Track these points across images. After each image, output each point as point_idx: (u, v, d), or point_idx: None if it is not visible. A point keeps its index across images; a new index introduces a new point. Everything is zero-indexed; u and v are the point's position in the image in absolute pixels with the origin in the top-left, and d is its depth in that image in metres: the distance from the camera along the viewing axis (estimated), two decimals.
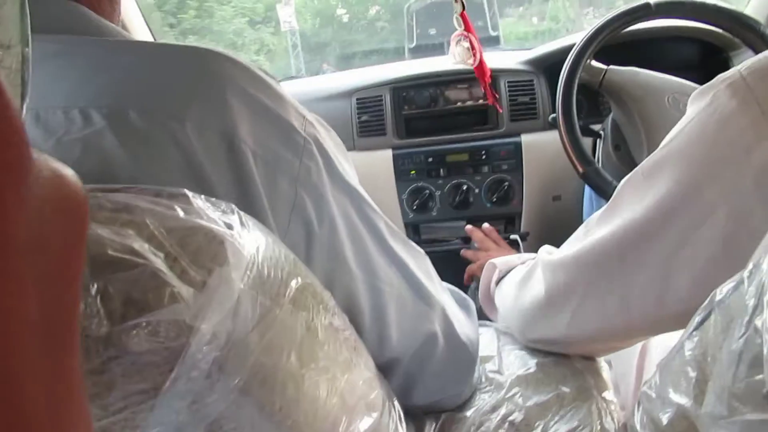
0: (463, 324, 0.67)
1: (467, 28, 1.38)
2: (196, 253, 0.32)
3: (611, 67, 1.17)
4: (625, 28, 1.16)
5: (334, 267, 0.52)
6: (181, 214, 0.33)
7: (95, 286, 0.27)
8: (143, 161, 0.42)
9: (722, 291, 0.40)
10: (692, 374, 0.40)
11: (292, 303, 0.37)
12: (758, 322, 0.33)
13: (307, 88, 1.63)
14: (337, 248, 0.52)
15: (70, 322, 0.20)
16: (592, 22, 1.40)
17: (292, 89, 1.59)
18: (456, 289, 0.75)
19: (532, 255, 0.90)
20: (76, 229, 0.21)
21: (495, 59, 1.56)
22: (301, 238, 0.50)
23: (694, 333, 0.41)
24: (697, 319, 0.42)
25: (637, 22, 1.15)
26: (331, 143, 0.53)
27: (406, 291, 0.59)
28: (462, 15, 1.36)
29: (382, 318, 0.57)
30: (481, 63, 1.40)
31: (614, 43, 1.17)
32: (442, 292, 0.65)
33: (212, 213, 0.35)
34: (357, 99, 1.49)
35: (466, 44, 1.40)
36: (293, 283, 0.38)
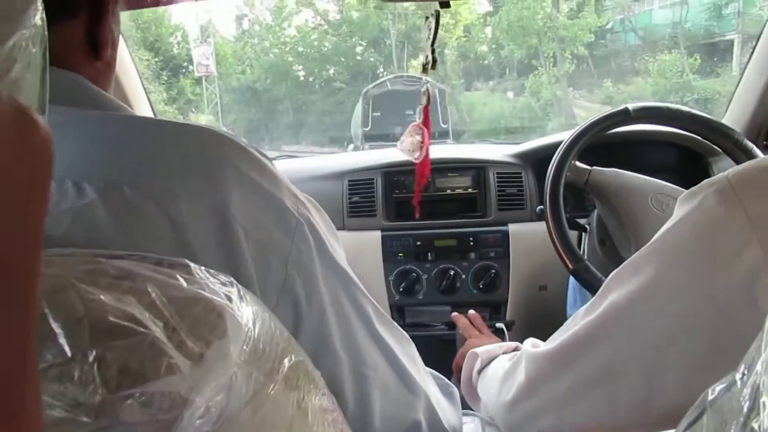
0: (447, 412, 0.66)
1: (425, 122, 1.43)
2: (195, 323, 0.32)
3: (595, 168, 1.21)
4: (605, 132, 1.21)
5: (320, 349, 0.52)
6: (183, 283, 0.33)
7: (93, 352, 0.27)
8: (134, 234, 0.42)
9: (714, 391, 0.40)
10: None
11: (285, 381, 0.37)
12: (755, 425, 0.33)
13: (301, 167, 1.67)
14: (324, 330, 0.52)
15: (27, 269, 0.20)
16: (581, 103, 1.45)
17: (285, 167, 1.62)
18: (440, 375, 0.74)
19: (514, 344, 0.89)
20: (38, 164, 0.21)
21: (484, 151, 1.62)
22: (289, 317, 0.50)
23: None
24: (688, 420, 0.42)
25: (617, 126, 1.20)
26: (323, 224, 0.54)
27: (390, 378, 0.58)
28: (424, 109, 1.42)
29: (366, 404, 0.56)
30: (425, 160, 1.44)
31: (598, 143, 1.22)
32: (426, 378, 0.64)
33: (213, 284, 0.35)
34: (349, 180, 1.52)
35: (418, 138, 1.45)
36: (287, 361, 0.38)
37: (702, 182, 0.54)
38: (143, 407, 0.27)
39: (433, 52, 1.16)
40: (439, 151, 1.57)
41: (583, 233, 1.36)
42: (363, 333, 0.56)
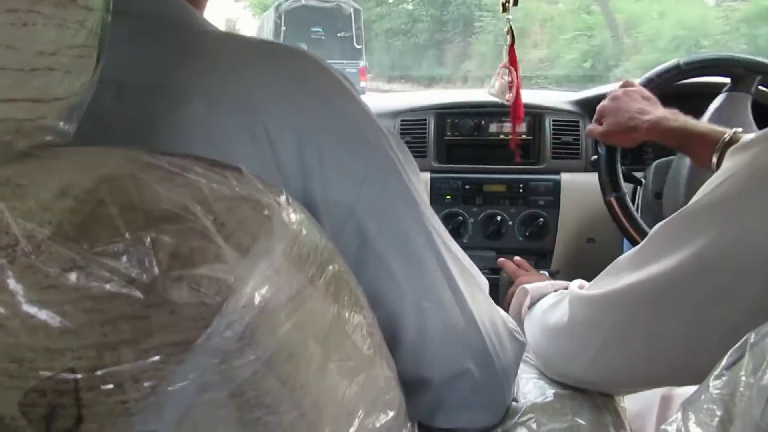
0: (504, 360, 0.61)
1: (512, 62, 1.39)
2: (243, 221, 0.33)
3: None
4: (660, 90, 1.15)
5: (384, 278, 0.52)
6: (234, 183, 0.34)
7: (147, 235, 0.29)
8: (219, 144, 0.44)
9: (758, 333, 0.39)
10: (718, 413, 0.39)
11: (326, 287, 0.38)
12: None
13: None
14: (389, 261, 0.52)
15: None
16: None
17: None
18: (509, 317, 0.70)
19: (565, 283, 0.88)
20: None
21: (542, 97, 1.57)
22: (354, 244, 0.50)
23: (724, 372, 0.41)
24: (728, 360, 0.42)
25: (672, 82, 1.15)
26: (402, 157, 0.54)
27: (454, 317, 0.56)
28: (511, 48, 1.37)
29: (423, 339, 0.55)
30: (517, 101, 1.41)
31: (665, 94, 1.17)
32: (492, 322, 0.61)
33: (263, 188, 0.36)
34: (402, 120, 1.51)
35: (508, 78, 1.41)
36: (330, 268, 0.39)
37: (756, 134, 0.52)
38: (191, 290, 0.29)
39: None
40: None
41: (638, 187, 1.33)
42: (431, 268, 0.54)
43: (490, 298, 0.63)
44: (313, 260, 0.37)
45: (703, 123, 0.94)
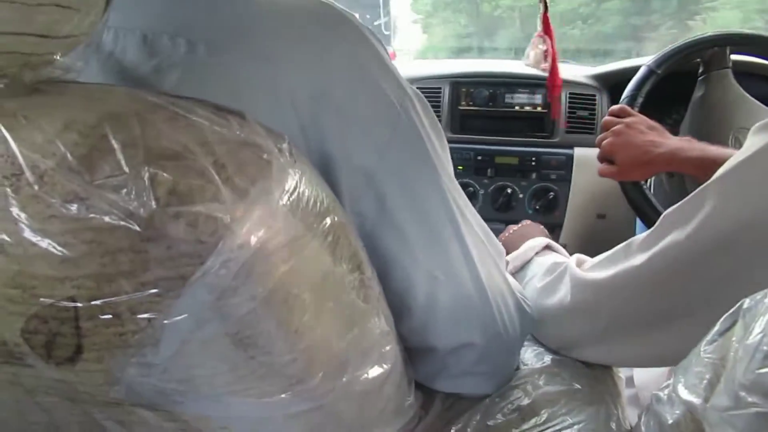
0: (512, 332, 0.62)
1: (546, 31, 1.36)
2: (243, 164, 0.33)
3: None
4: (689, 60, 1.13)
5: (399, 245, 0.52)
6: (236, 127, 0.35)
7: (147, 170, 0.29)
8: (236, 92, 0.43)
9: (752, 299, 0.39)
10: (707, 376, 0.39)
11: (324, 236, 0.39)
12: None
13: None
14: (406, 229, 0.51)
15: None
16: None
17: None
18: (519, 286, 0.71)
19: (544, 241, 0.86)
20: None
21: (561, 70, 1.55)
22: (372, 209, 0.50)
23: (716, 338, 0.41)
24: (721, 325, 0.42)
25: (700, 56, 1.13)
26: (426, 121, 0.53)
27: (465, 289, 0.56)
28: (544, 16, 1.34)
29: (433, 309, 0.55)
30: (554, 69, 1.38)
31: (683, 71, 1.15)
32: (500, 293, 0.60)
33: (265, 135, 0.36)
34: (416, 89, 1.50)
35: (543, 47, 1.39)
36: (328, 219, 0.40)
37: None
38: (188, 226, 0.30)
39: None
40: (511, 66, 1.52)
41: None
42: (446, 238, 0.54)
43: (503, 269, 0.63)
44: (312, 209, 0.38)
45: (722, 148, 0.88)
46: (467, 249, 0.56)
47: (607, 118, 1.01)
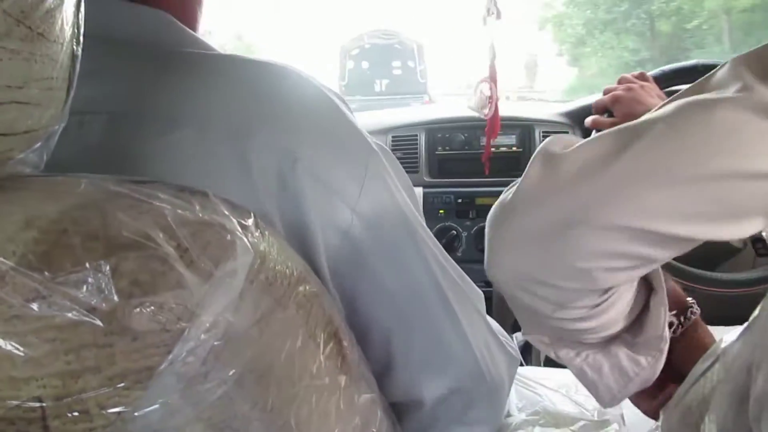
0: (497, 376, 0.61)
1: (491, 77, 1.39)
2: (206, 246, 0.33)
3: None
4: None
5: (379, 299, 0.52)
6: (198, 209, 0.35)
7: (107, 263, 0.29)
8: (203, 170, 0.44)
9: (726, 341, 0.40)
10: (689, 420, 0.39)
11: (296, 308, 0.39)
12: (754, 370, 0.33)
13: None
14: (384, 280, 0.52)
15: None
16: None
17: None
18: (501, 330, 0.70)
19: None
20: None
21: (532, 109, 1.58)
22: (349, 263, 0.50)
23: (698, 378, 0.41)
24: (702, 367, 0.42)
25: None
26: (394, 174, 0.54)
27: (446, 337, 0.56)
28: (491, 63, 1.37)
29: (415, 359, 0.55)
30: (495, 115, 1.40)
31: None
32: (484, 335, 0.60)
33: (229, 213, 0.36)
34: (393, 137, 1.52)
35: (487, 93, 1.41)
36: (300, 289, 0.40)
37: None
38: (152, 316, 0.29)
39: (495, 3, 1.13)
40: None
41: None
42: (424, 286, 0.54)
43: (484, 312, 0.63)
44: (282, 282, 0.38)
45: None
46: (445, 297, 0.56)
47: (625, 75, 0.98)
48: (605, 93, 0.98)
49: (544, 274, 0.46)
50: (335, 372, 0.43)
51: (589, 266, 0.44)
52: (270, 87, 0.48)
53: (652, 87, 0.95)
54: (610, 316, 0.48)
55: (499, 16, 1.24)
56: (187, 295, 0.30)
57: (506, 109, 1.60)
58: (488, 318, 0.64)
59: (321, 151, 0.48)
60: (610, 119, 0.96)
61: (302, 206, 0.47)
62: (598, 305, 0.47)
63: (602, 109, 0.98)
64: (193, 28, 0.58)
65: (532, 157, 0.50)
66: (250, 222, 0.38)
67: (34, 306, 0.28)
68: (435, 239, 0.57)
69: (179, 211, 0.34)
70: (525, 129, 1.48)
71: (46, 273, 0.29)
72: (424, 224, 0.56)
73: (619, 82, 0.98)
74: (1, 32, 0.33)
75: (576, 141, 0.49)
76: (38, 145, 0.37)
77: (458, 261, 1.58)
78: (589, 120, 1.00)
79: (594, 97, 1.54)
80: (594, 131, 1.00)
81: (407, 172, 1.57)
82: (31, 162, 0.36)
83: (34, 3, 0.35)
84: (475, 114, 1.51)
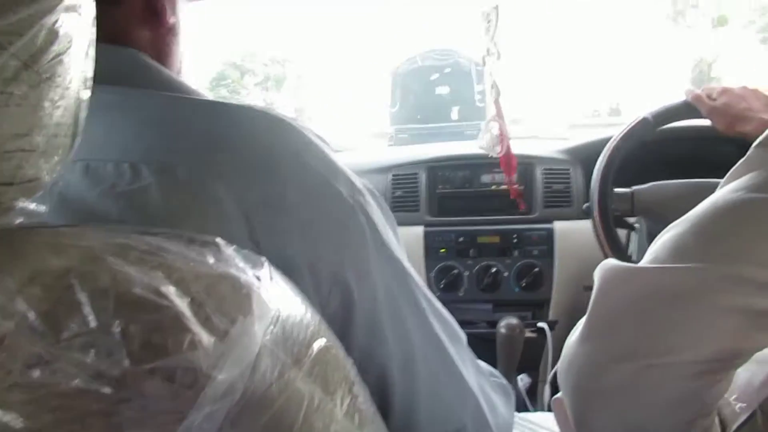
0: (497, 415, 0.62)
1: (498, 114, 1.40)
2: (221, 301, 0.31)
3: (635, 188, 1.16)
4: (634, 147, 1.15)
5: (372, 343, 0.50)
6: (211, 261, 0.33)
7: (117, 324, 0.27)
8: (188, 217, 0.42)
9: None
10: None
11: (313, 364, 0.36)
12: None
13: (345, 161, 1.67)
14: (376, 323, 0.50)
15: None
16: None
17: None
18: (496, 372, 0.71)
19: None
20: None
21: (532, 147, 1.58)
22: (340, 308, 0.48)
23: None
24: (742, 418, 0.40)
25: (645, 138, 1.14)
26: (379, 212, 0.53)
27: (442, 376, 0.56)
28: (496, 101, 1.38)
29: (414, 401, 0.53)
30: (508, 153, 1.41)
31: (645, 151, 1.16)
32: (478, 378, 0.61)
33: (242, 263, 0.35)
34: (393, 175, 1.51)
35: (496, 132, 1.42)
36: (316, 345, 0.37)
37: None
38: (165, 381, 0.27)
39: (495, 44, 1.14)
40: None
41: (632, 232, 1.32)
42: (416, 328, 0.54)
43: (472, 352, 0.62)
44: (297, 338, 0.35)
45: None
46: (438, 337, 0.55)
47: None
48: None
49: None
50: (353, 425, 0.40)
51: None
52: (250, 130, 0.47)
53: (763, 94, 0.98)
54: None
55: (499, 57, 1.24)
56: (202, 357, 0.28)
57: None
58: (475, 359, 0.64)
59: (304, 191, 0.47)
60: (711, 102, 0.99)
61: (290, 247, 0.45)
62: None
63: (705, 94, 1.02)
64: (170, 66, 0.58)
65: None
66: (263, 272, 0.36)
67: (36, 373, 0.26)
68: (421, 280, 0.57)
69: (192, 263, 0.32)
70: (526, 166, 1.48)
71: (50, 336, 0.27)
72: (410, 265, 0.56)
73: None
74: (9, 77, 0.31)
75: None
76: (41, 193, 0.35)
77: (460, 301, 1.57)
78: (691, 95, 1.03)
79: (594, 136, 1.54)
80: None
81: (407, 210, 1.57)
82: (33, 212, 0.34)
83: (42, 46, 0.33)
84: (477, 150, 1.52)
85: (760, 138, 0.48)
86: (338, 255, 0.48)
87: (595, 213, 1.13)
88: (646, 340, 0.45)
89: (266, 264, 0.37)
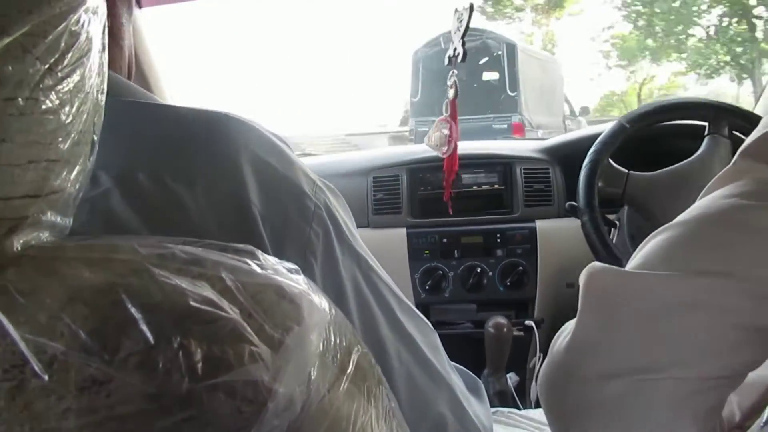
0: (475, 406, 0.62)
1: (452, 116, 1.40)
2: (270, 309, 0.30)
3: (632, 173, 1.19)
4: (609, 154, 1.18)
5: None
6: (256, 269, 0.31)
7: (176, 338, 0.25)
8: (151, 222, 0.41)
9: None
10: None
11: (356, 370, 0.35)
12: None
13: (325, 164, 1.65)
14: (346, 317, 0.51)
15: None
16: None
17: (310, 164, 1.61)
18: (466, 370, 0.71)
19: None
20: None
21: (511, 146, 1.59)
22: None
23: None
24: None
25: (619, 144, 1.18)
26: (341, 209, 0.53)
27: (414, 368, 0.56)
28: (451, 102, 1.39)
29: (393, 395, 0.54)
30: (453, 155, 1.41)
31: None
32: (450, 371, 0.61)
33: (283, 269, 0.33)
34: (374, 177, 1.50)
35: (446, 132, 1.42)
36: (355, 351, 0.36)
37: None
38: (228, 397, 0.26)
39: (463, 44, 1.14)
40: (465, 146, 1.55)
41: (612, 229, 1.34)
42: (384, 322, 0.54)
43: (443, 354, 0.62)
44: (340, 345, 0.34)
45: None
46: (405, 331, 0.55)
47: None
48: None
49: None
50: (391, 428, 0.39)
51: None
52: (209, 132, 0.47)
53: None
54: None
55: (464, 58, 1.24)
56: (263, 369, 0.27)
57: (486, 147, 1.62)
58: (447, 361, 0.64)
59: (266, 191, 0.46)
60: None
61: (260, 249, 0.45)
62: None
63: None
64: (120, 70, 0.57)
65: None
66: (300, 279, 0.35)
67: (91, 395, 0.24)
68: (388, 277, 0.57)
69: (235, 272, 0.30)
70: (506, 166, 1.49)
71: (104, 354, 0.25)
72: (377, 262, 0.56)
73: None
74: (34, 82, 0.30)
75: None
76: (65, 206, 0.33)
77: (446, 301, 1.57)
78: None
79: (570, 134, 1.56)
80: None
81: (389, 213, 1.56)
82: (60, 226, 0.32)
83: (65, 49, 0.31)
84: (461, 152, 1.52)
85: (744, 145, 0.48)
86: (303, 253, 0.47)
87: (584, 215, 1.15)
88: (639, 354, 0.44)
89: (299, 271, 0.36)
